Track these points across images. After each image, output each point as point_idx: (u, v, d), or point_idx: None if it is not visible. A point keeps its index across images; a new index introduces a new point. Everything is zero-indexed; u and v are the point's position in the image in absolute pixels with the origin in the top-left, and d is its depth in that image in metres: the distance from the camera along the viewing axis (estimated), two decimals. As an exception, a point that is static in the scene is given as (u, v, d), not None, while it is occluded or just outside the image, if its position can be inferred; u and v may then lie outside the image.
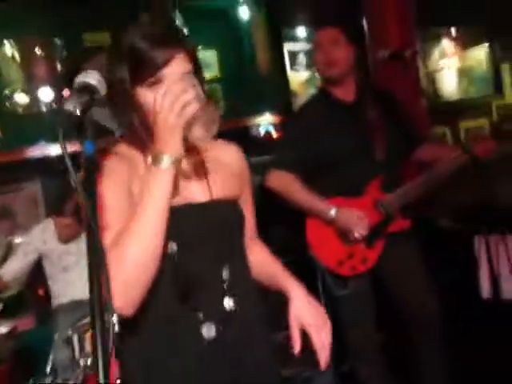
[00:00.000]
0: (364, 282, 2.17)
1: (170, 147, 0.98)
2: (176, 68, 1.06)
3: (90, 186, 0.74)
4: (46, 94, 3.17)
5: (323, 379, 2.77)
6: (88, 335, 1.86)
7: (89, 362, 1.82)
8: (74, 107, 0.78)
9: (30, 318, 2.98)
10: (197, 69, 1.12)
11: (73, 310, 2.61)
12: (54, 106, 3.16)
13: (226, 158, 1.24)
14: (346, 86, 2.17)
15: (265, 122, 3.68)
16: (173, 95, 0.97)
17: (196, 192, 1.14)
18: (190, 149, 1.12)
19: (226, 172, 1.21)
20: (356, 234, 2.06)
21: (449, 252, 2.64)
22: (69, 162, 0.72)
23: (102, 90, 0.87)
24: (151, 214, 0.97)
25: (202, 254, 1.09)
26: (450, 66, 4.17)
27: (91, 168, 0.76)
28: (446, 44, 4.19)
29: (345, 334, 2.25)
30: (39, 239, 2.78)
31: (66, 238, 2.77)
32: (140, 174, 1.09)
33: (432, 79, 4.08)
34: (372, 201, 2.12)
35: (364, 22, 3.15)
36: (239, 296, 1.12)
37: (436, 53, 4.14)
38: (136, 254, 0.95)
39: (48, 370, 2.22)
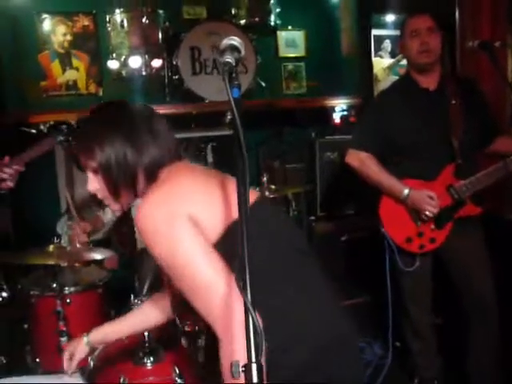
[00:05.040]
0: (429, 261, 2.30)
1: None
2: None
3: (236, 126, 0.94)
4: (141, 61, 3.43)
5: (375, 350, 2.92)
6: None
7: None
8: (231, 59, 1.00)
9: (115, 258, 3.31)
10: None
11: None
12: (147, 72, 3.41)
13: None
14: (431, 74, 2.24)
15: (344, 104, 3.80)
16: None
17: None
18: None
19: None
20: (427, 213, 2.17)
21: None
22: (234, 108, 0.93)
23: (243, 51, 1.07)
24: None
25: None
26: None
27: (238, 109, 0.95)
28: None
29: (404, 309, 2.39)
30: None
31: None
32: None
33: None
34: (445, 185, 2.21)
35: (456, 11, 3.16)
36: None
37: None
38: None
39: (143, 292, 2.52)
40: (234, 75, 1.00)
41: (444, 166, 2.21)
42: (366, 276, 3.00)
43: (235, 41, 1.06)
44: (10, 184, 2.08)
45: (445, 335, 2.53)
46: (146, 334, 1.79)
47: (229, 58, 1.01)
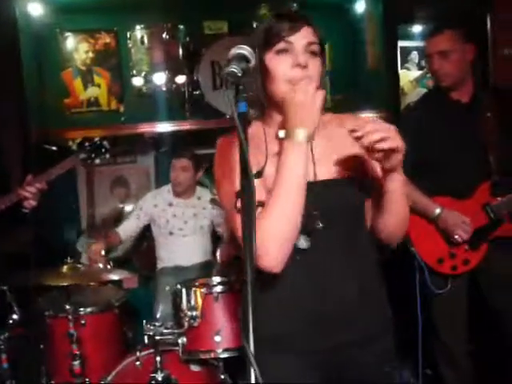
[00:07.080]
0: (462, 283, 2.16)
1: (307, 122, 1.08)
2: (300, 37, 1.17)
3: (242, 142, 0.85)
4: (162, 77, 3.41)
5: (403, 377, 2.75)
6: (195, 290, 2.02)
7: (194, 314, 1.98)
8: (236, 70, 0.92)
9: (134, 278, 3.24)
10: (320, 42, 1.21)
11: (175, 273, 2.83)
12: (168, 87, 3.38)
13: (340, 137, 1.25)
14: (462, 88, 2.14)
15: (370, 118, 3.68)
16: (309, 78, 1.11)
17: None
18: None
19: (337, 152, 1.24)
20: (456, 237, 2.06)
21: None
22: (238, 120, 0.84)
23: (253, 60, 0.99)
24: (290, 185, 1.08)
25: None
26: None
27: (244, 124, 0.88)
28: None
29: (436, 334, 2.24)
30: (151, 203, 3.01)
31: (180, 181, 2.96)
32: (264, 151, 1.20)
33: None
34: (480, 203, 2.09)
35: (488, 20, 3.04)
36: None
37: None
38: (282, 227, 1.08)
39: (156, 317, 2.44)
40: (241, 87, 0.91)
41: (479, 183, 2.08)
42: (393, 297, 2.84)
43: (244, 49, 0.98)
44: (33, 203, 2.08)
45: (477, 363, 2.36)
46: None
47: (234, 68, 0.92)
